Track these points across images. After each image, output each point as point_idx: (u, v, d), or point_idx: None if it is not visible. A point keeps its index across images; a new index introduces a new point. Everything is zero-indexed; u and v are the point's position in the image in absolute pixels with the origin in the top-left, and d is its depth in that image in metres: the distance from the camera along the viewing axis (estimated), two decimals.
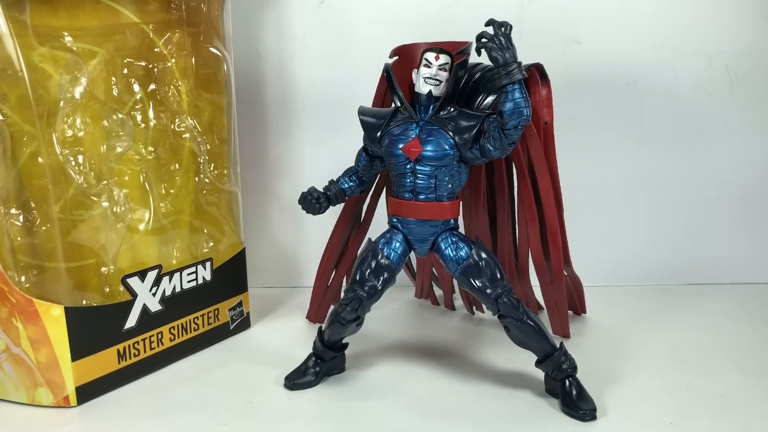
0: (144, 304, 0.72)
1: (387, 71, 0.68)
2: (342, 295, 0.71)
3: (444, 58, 0.64)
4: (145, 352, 0.73)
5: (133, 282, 0.71)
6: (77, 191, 0.67)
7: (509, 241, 0.79)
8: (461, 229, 0.70)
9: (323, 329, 0.70)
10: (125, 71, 0.72)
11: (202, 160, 0.80)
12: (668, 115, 0.95)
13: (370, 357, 0.76)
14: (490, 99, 0.68)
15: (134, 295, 0.71)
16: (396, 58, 0.70)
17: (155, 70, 0.75)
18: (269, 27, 0.95)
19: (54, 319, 0.64)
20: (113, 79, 0.71)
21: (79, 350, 0.66)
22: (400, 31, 0.91)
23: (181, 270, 0.76)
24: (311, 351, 0.71)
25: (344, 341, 0.72)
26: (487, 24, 0.60)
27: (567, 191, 0.77)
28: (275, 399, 0.68)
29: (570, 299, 0.84)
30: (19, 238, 0.65)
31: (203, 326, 0.79)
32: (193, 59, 0.78)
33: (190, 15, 0.78)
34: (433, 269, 0.90)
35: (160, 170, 0.77)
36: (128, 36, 0.72)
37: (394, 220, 0.68)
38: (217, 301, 0.81)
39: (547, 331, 0.65)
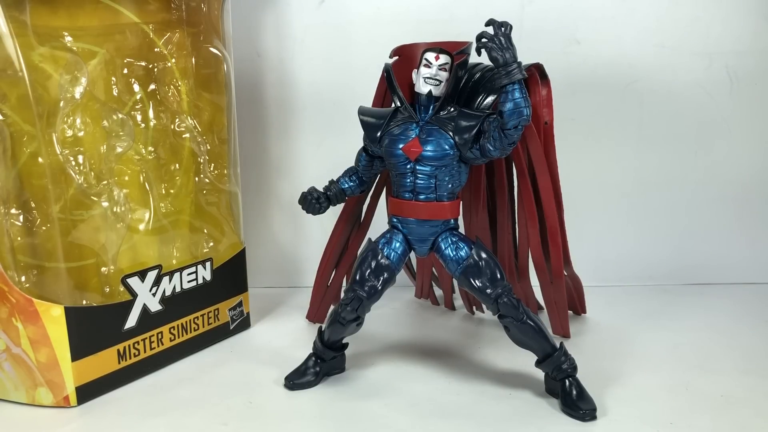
0: (144, 304, 0.72)
1: (387, 71, 0.68)
2: (342, 295, 0.71)
3: (444, 58, 0.64)
4: (145, 352, 0.73)
5: (133, 282, 0.71)
6: (77, 191, 0.67)
7: (509, 241, 0.79)
8: (461, 229, 0.70)
9: (323, 329, 0.70)
10: (125, 71, 0.72)
11: (202, 160, 0.80)
12: (668, 116, 0.95)
13: (370, 357, 0.76)
14: (490, 99, 0.68)
15: (134, 295, 0.71)
16: (396, 58, 0.70)
17: (155, 70, 0.75)
18: (269, 27, 0.95)
19: (54, 319, 0.64)
20: (113, 79, 0.71)
21: (79, 350, 0.66)
22: (400, 31, 0.91)
23: (181, 270, 0.76)
24: (311, 351, 0.71)
25: (344, 341, 0.72)
26: (487, 24, 0.60)
27: (567, 191, 0.77)
28: (275, 399, 0.68)
29: (570, 299, 0.84)
30: (19, 238, 0.65)
31: (203, 326, 0.79)
32: (193, 59, 0.78)
33: (190, 15, 0.78)
34: (433, 269, 0.90)
35: (160, 170, 0.77)
36: (128, 36, 0.72)
37: (394, 220, 0.68)
38: (217, 301, 0.81)
39: (547, 331, 0.65)
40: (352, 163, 0.73)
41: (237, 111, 0.85)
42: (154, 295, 0.73)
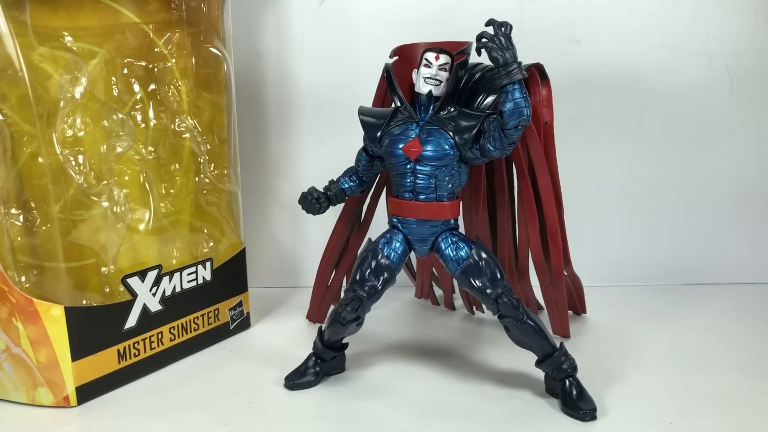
0: (144, 304, 0.72)
1: (387, 71, 0.68)
2: (342, 295, 0.71)
3: (444, 58, 0.64)
4: (145, 352, 0.73)
5: (133, 282, 0.71)
6: (77, 191, 0.67)
7: (509, 241, 0.79)
8: (461, 229, 0.70)
9: (323, 329, 0.70)
10: (125, 71, 0.72)
11: (202, 160, 0.80)
12: (668, 116, 0.95)
13: (370, 357, 0.76)
14: (490, 99, 0.68)
15: (134, 295, 0.71)
16: (396, 58, 0.70)
17: (155, 70, 0.75)
18: (269, 27, 0.95)
19: (54, 319, 0.64)
20: (113, 79, 0.71)
21: (79, 350, 0.66)
22: (400, 31, 0.91)
23: (181, 270, 0.76)
24: (311, 351, 0.71)
25: (344, 341, 0.72)
26: (487, 24, 0.60)
27: (567, 191, 0.77)
28: (275, 399, 0.68)
29: (570, 299, 0.84)
30: (19, 238, 0.65)
31: (203, 326, 0.79)
32: (193, 59, 0.78)
33: (190, 15, 0.78)
34: (433, 269, 0.90)
35: (160, 170, 0.77)
36: (128, 36, 0.72)
37: (395, 220, 0.68)
38: (217, 301, 0.81)
39: (547, 331, 0.65)
40: (352, 163, 0.73)
41: (237, 111, 0.85)
42: (154, 295, 0.73)
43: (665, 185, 0.97)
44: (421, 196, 0.66)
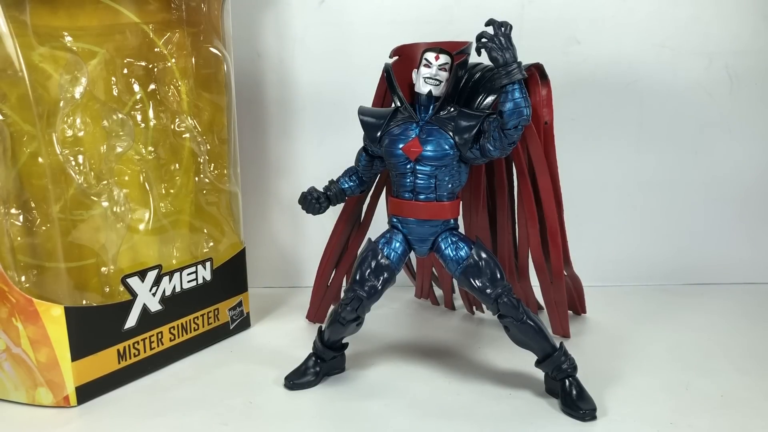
0: (144, 304, 0.72)
1: (387, 71, 0.68)
2: (342, 295, 0.71)
3: (444, 58, 0.64)
4: (145, 352, 0.73)
5: (133, 282, 0.71)
6: (77, 191, 0.67)
7: (509, 241, 0.79)
8: (461, 229, 0.70)
9: (323, 329, 0.70)
10: (125, 71, 0.72)
11: (202, 160, 0.80)
12: (668, 115, 0.95)
13: (370, 357, 0.76)
14: (490, 99, 0.68)
15: (134, 295, 0.71)
16: (396, 58, 0.70)
17: (155, 70, 0.75)
18: (269, 27, 0.95)
19: (54, 319, 0.64)
20: (113, 79, 0.71)
21: (79, 350, 0.66)
22: (400, 31, 0.91)
23: (181, 270, 0.76)
24: (311, 351, 0.71)
25: (344, 341, 0.72)
26: (487, 24, 0.60)
27: (567, 191, 0.77)
28: (275, 399, 0.68)
29: (570, 299, 0.84)
30: (19, 238, 0.65)
31: (203, 326, 0.79)
32: (193, 59, 0.78)
33: (190, 15, 0.78)
34: (433, 269, 0.90)
35: (160, 170, 0.77)
36: (128, 36, 0.72)
37: (394, 220, 0.68)
38: (217, 301, 0.81)
39: (547, 331, 0.65)
40: (352, 163, 0.73)
41: (237, 111, 0.85)
42: (154, 295, 0.73)
43: (665, 185, 0.97)
44: (421, 196, 0.66)
